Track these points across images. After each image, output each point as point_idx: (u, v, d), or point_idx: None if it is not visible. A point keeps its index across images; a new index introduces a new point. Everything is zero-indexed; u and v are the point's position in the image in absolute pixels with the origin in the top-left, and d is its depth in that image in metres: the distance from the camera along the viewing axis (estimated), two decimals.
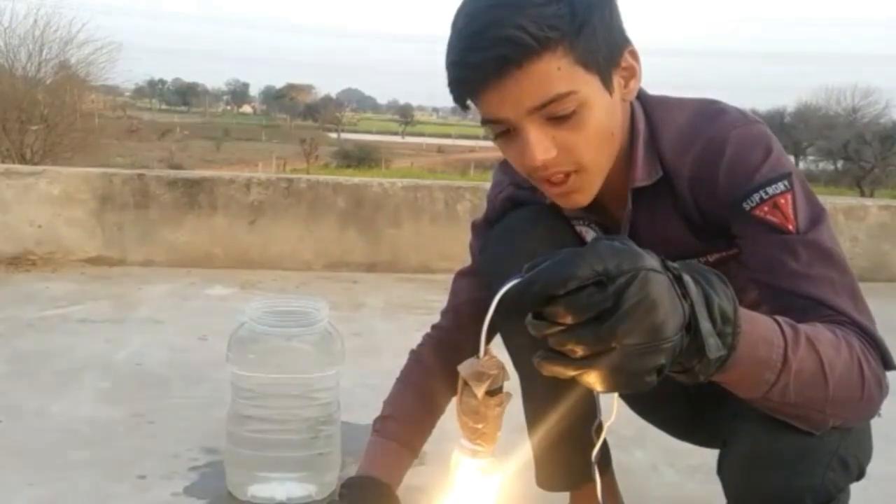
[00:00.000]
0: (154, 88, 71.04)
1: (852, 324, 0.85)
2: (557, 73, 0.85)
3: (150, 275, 3.03)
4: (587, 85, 0.87)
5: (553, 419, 1.15)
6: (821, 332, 0.81)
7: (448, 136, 64.84)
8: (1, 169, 3.21)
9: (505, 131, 0.91)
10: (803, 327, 0.80)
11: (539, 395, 1.16)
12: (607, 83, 0.89)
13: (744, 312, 0.72)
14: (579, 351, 0.62)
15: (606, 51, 0.88)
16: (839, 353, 0.81)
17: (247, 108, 71.73)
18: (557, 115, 0.86)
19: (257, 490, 1.34)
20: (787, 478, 0.89)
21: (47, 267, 3.03)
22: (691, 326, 0.65)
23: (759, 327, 0.75)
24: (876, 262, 3.63)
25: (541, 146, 0.87)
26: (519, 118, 0.87)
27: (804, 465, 0.88)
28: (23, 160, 15.16)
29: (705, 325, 0.66)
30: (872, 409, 0.86)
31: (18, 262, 3.03)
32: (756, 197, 0.90)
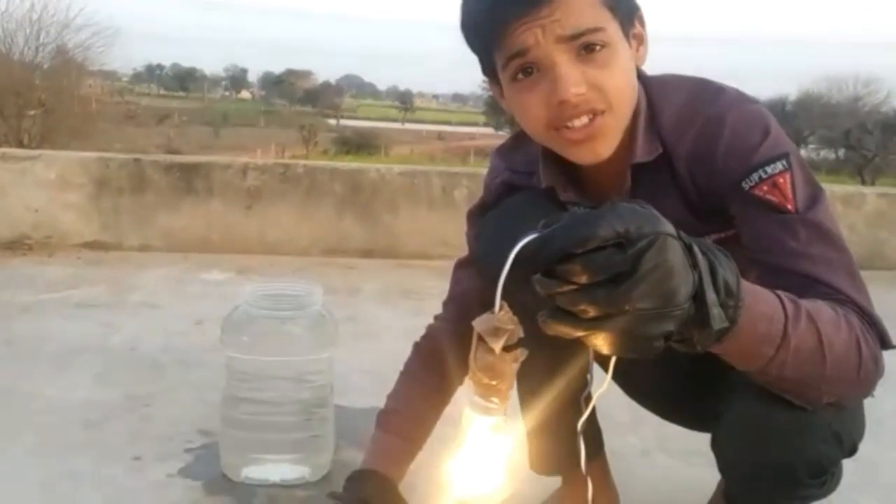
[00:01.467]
0: (152, 74, 70.75)
1: (850, 302, 0.86)
2: (590, 8, 0.87)
3: (146, 259, 3.03)
4: (614, 29, 0.89)
5: (546, 401, 1.16)
6: (822, 309, 0.81)
7: (448, 123, 64.70)
8: None
9: (528, 73, 0.90)
10: (805, 303, 0.80)
11: (534, 376, 1.17)
12: (627, 35, 0.92)
13: (746, 286, 0.72)
14: (591, 311, 0.61)
15: (627, 4, 0.92)
16: (839, 330, 0.81)
17: (245, 94, 71.49)
18: (590, 45, 0.87)
19: (251, 471, 1.35)
20: (780, 450, 0.90)
21: (43, 251, 3.03)
22: (697, 296, 0.65)
23: (760, 302, 0.75)
24: (873, 250, 3.63)
25: (572, 78, 0.87)
26: (549, 50, 0.87)
27: (798, 438, 0.90)
28: (20, 145, 15.12)
29: (711, 295, 0.66)
30: (868, 388, 0.87)
31: (15, 246, 3.03)
32: (755, 176, 0.90)
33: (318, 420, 1.36)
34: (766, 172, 0.90)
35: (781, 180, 0.90)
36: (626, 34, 0.91)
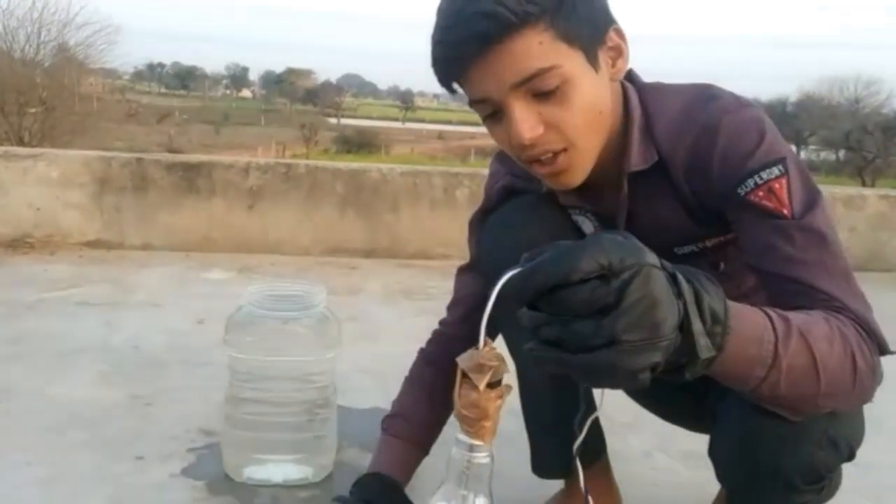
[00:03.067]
0: (153, 72, 70.71)
1: (846, 309, 0.85)
2: (539, 48, 0.85)
3: (148, 258, 3.03)
4: (571, 60, 0.87)
5: (548, 405, 1.16)
6: (814, 324, 0.80)
7: (448, 122, 64.65)
8: None
9: (492, 114, 0.91)
10: (796, 320, 0.79)
11: (535, 383, 1.17)
12: (592, 60, 0.89)
13: (733, 310, 0.72)
14: (577, 344, 0.61)
15: (590, 27, 0.89)
16: (832, 346, 0.80)
17: (246, 93, 71.46)
18: (542, 90, 0.86)
19: (253, 472, 1.35)
20: (774, 457, 0.90)
21: (45, 250, 3.03)
22: (684, 326, 0.65)
23: (749, 325, 0.74)
24: (874, 252, 3.64)
25: (527, 124, 0.87)
26: (503, 95, 0.87)
27: (792, 444, 0.90)
28: (21, 143, 15.13)
29: (697, 324, 0.66)
30: (865, 397, 0.86)
31: (17, 244, 3.04)
32: (750, 182, 0.90)
33: (321, 420, 1.36)
34: (761, 178, 0.89)
35: (777, 185, 0.89)
36: (593, 58, 0.89)
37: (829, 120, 28.59)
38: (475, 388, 0.67)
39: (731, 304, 0.72)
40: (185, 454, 1.46)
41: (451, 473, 0.69)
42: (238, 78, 74.79)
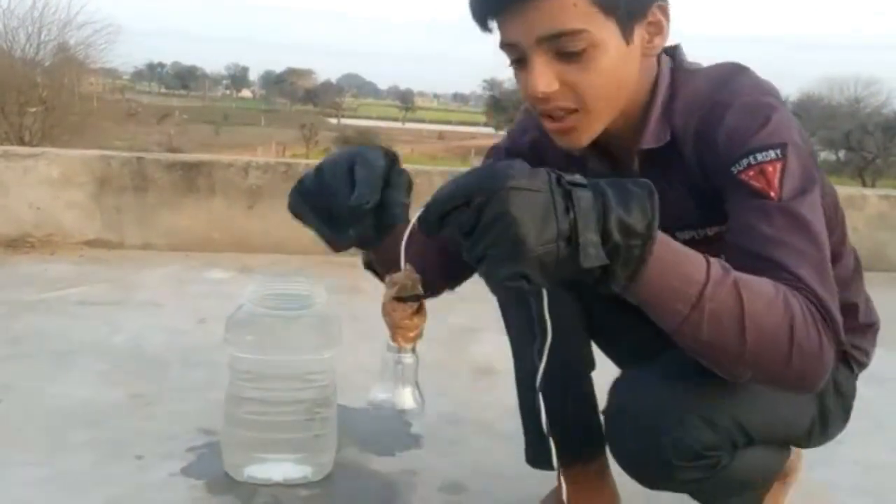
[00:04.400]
0: (153, 72, 70.72)
1: (808, 290, 0.83)
2: (573, 10, 0.87)
3: (148, 258, 3.03)
4: (602, 28, 0.89)
5: (533, 392, 1.17)
6: (759, 285, 0.81)
7: (448, 122, 64.63)
8: None
9: (518, 60, 0.92)
10: (742, 276, 0.80)
11: (525, 368, 1.18)
12: (626, 32, 0.90)
13: (669, 241, 0.77)
14: (469, 259, 0.74)
15: (631, 1, 0.90)
16: (770, 310, 0.80)
17: (246, 93, 71.46)
18: (566, 50, 0.89)
19: (254, 471, 1.35)
20: (639, 435, 0.94)
21: (46, 249, 3.03)
22: (572, 237, 0.72)
23: (680, 258, 0.78)
24: (874, 252, 3.63)
25: (543, 78, 0.90)
26: (529, 46, 0.89)
27: (654, 422, 0.92)
28: (21, 143, 15.13)
29: (588, 236, 0.73)
30: (804, 380, 0.84)
31: (17, 244, 3.03)
32: (744, 161, 0.90)
33: (321, 419, 1.36)
34: (755, 159, 0.89)
35: (770, 168, 0.88)
36: (628, 30, 0.91)
37: (829, 120, 28.58)
38: (388, 300, 0.83)
39: (671, 239, 0.78)
40: (184, 453, 1.46)
41: (384, 372, 0.86)
42: (238, 78, 74.79)
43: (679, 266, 0.78)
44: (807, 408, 1.03)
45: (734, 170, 0.90)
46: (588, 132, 0.95)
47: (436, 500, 1.36)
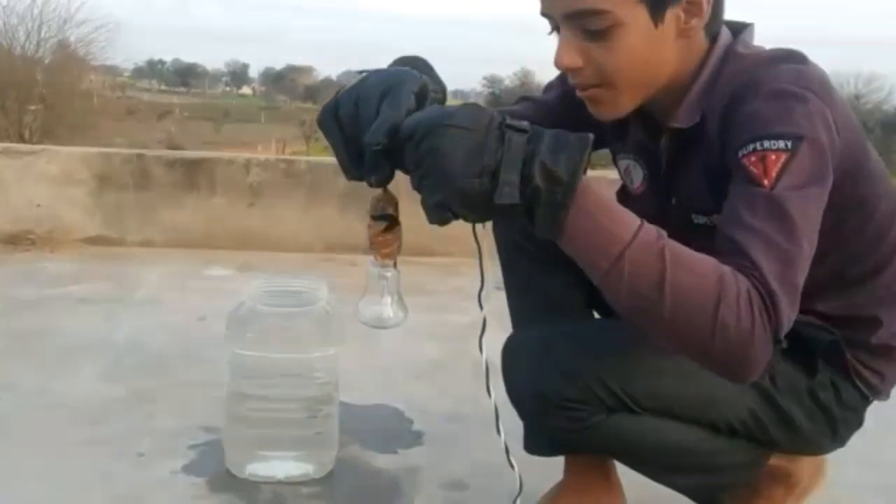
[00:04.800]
0: (153, 69, 70.65)
1: (760, 281, 0.82)
2: None
3: (148, 255, 3.02)
4: (629, 10, 0.91)
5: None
6: (693, 259, 0.81)
7: None
8: (0, 148, 3.20)
9: (553, 30, 0.97)
10: (678, 248, 0.81)
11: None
12: (656, 15, 0.92)
13: (600, 197, 0.81)
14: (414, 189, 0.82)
15: None
16: (696, 283, 0.80)
17: (246, 90, 71.36)
18: (589, 29, 0.92)
19: (256, 468, 1.35)
20: (509, 378, 1.06)
21: (46, 246, 3.03)
22: (494, 175, 0.78)
23: (611, 215, 0.82)
24: None
25: (567, 52, 0.94)
26: (558, 20, 0.94)
27: (535, 367, 1.03)
28: (21, 140, 15.12)
29: (508, 175, 0.78)
30: (728, 361, 0.83)
31: (18, 241, 3.03)
32: (751, 146, 0.89)
33: (323, 417, 1.36)
34: (762, 145, 0.88)
35: (773, 157, 0.87)
36: (658, 13, 0.92)
37: None
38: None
39: (605, 197, 0.82)
40: (186, 451, 1.46)
41: (366, 287, 0.96)
42: (238, 75, 74.67)
43: (606, 222, 0.81)
44: (739, 396, 1.02)
45: (741, 153, 0.90)
46: (614, 107, 0.99)
47: (438, 498, 1.36)
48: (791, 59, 0.96)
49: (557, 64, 0.96)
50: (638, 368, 0.99)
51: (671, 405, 1.01)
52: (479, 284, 0.96)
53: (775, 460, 1.12)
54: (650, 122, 1.05)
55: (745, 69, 0.96)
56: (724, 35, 1.00)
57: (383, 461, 1.47)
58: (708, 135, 0.97)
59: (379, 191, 0.91)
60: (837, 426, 1.09)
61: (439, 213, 0.81)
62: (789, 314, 0.83)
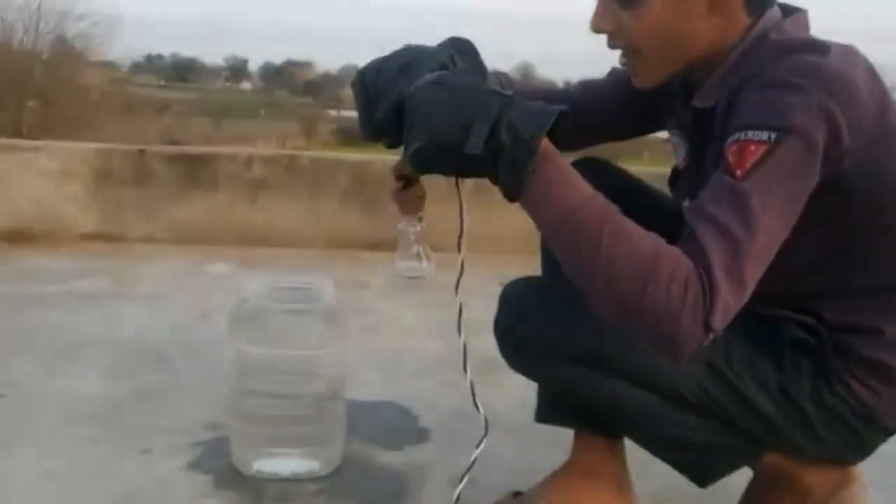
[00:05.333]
0: (152, 64, 70.49)
1: (703, 266, 0.82)
2: None
3: (150, 251, 3.01)
4: None
5: None
6: (633, 236, 0.85)
7: None
8: None
9: None
10: (623, 223, 0.86)
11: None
12: None
13: (559, 165, 0.87)
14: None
15: None
16: (634, 259, 0.84)
17: (246, 85, 71.24)
18: None
19: (262, 465, 1.34)
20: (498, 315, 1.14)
21: (47, 243, 3.01)
22: (468, 127, 0.85)
23: (565, 183, 0.88)
24: None
25: (598, 15, 1.00)
26: None
27: (502, 309, 1.14)
28: (19, 136, 15.08)
29: (477, 128, 0.85)
30: (656, 337, 0.85)
31: (18, 237, 3.01)
32: (736, 135, 0.89)
33: (329, 414, 1.35)
34: (745, 135, 0.87)
35: (752, 148, 0.86)
36: None
37: None
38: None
39: (563, 164, 0.88)
40: (191, 448, 1.45)
41: (398, 241, 1.08)
42: (237, 70, 74.50)
43: (560, 188, 0.87)
44: (684, 368, 1.00)
45: (728, 140, 0.89)
46: (646, 76, 1.03)
47: (445, 494, 1.35)
48: (810, 49, 0.93)
49: (590, 26, 1.00)
50: (596, 328, 0.98)
51: (617, 365, 1.04)
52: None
53: (777, 462, 1.09)
54: (689, 98, 1.05)
55: (766, 56, 0.95)
56: (770, 16, 0.98)
57: (390, 458, 1.47)
58: (719, 119, 0.97)
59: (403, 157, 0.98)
60: (815, 426, 1.04)
61: (418, 160, 0.89)
62: (730, 303, 0.84)
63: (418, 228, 1.05)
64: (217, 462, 1.39)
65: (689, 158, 1.10)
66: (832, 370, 1.03)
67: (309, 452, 1.35)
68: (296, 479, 1.34)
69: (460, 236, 1.04)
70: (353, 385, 1.45)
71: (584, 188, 0.88)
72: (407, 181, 1.03)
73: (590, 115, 1.21)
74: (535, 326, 1.08)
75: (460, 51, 0.96)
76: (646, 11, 0.96)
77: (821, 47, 0.94)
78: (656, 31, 0.97)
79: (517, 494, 1.31)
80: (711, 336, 0.84)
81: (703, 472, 1.12)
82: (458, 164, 0.89)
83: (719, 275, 0.82)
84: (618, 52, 1.05)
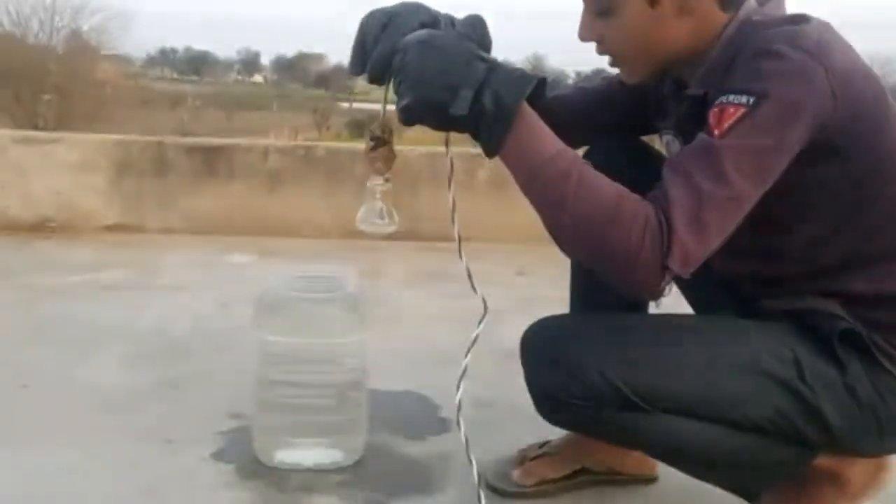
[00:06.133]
0: (166, 57, 70.73)
1: (664, 212, 0.88)
2: None
3: (169, 242, 3.02)
4: None
5: None
6: (597, 186, 0.91)
7: None
8: (19, 136, 3.20)
9: None
10: (590, 175, 0.92)
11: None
12: None
13: (533, 123, 0.94)
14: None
15: None
16: (597, 205, 0.90)
17: (258, 78, 71.38)
18: (596, 9, 1.04)
19: (285, 456, 1.34)
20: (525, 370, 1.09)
21: (67, 234, 3.03)
22: (454, 89, 0.91)
23: (537, 138, 0.94)
24: None
25: (582, 26, 1.06)
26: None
27: (526, 365, 1.09)
28: (35, 129, 15.18)
29: (464, 91, 0.91)
30: (617, 277, 0.92)
31: (39, 228, 3.03)
32: (721, 99, 0.92)
33: (353, 403, 1.35)
34: (727, 98, 0.91)
35: (731, 110, 0.90)
36: None
37: None
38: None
39: (537, 122, 0.94)
40: (214, 438, 1.45)
41: (367, 197, 1.12)
42: (250, 63, 74.61)
43: (533, 144, 0.94)
44: (762, 395, 1.00)
45: (713, 104, 0.93)
46: (631, 76, 1.09)
47: (469, 484, 1.34)
48: (790, 20, 0.98)
49: (578, 37, 1.07)
50: (644, 366, 0.99)
51: (681, 403, 0.99)
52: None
53: (824, 461, 1.08)
54: (680, 93, 1.09)
55: (751, 34, 0.98)
56: (748, 6, 1.02)
57: (413, 448, 1.46)
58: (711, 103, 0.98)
59: (378, 118, 1.09)
60: (882, 422, 1.03)
61: (407, 115, 0.95)
62: (689, 246, 0.88)
63: (385, 188, 1.10)
64: (240, 452, 1.39)
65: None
66: (874, 351, 1.02)
67: (332, 442, 1.35)
68: (319, 470, 1.34)
69: (450, 177, 1.14)
70: (374, 375, 1.45)
71: (553, 144, 0.94)
72: (378, 142, 1.08)
73: (590, 115, 1.28)
74: (576, 377, 1.00)
75: (470, 23, 1.01)
76: (620, 21, 1.02)
77: (798, 17, 0.99)
78: (629, 38, 1.03)
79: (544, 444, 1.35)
80: (669, 277, 0.90)
81: (758, 489, 1.11)
82: (444, 123, 0.96)
83: (679, 219, 0.87)
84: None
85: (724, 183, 0.89)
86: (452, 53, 0.93)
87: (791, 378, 0.99)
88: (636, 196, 0.91)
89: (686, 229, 0.87)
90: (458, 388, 1.12)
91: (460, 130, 0.97)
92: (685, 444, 1.02)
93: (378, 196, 1.10)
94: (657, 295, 0.93)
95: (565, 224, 0.93)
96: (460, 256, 1.12)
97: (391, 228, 1.12)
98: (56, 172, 3.10)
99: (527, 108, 0.94)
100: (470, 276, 1.09)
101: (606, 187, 0.92)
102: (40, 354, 1.83)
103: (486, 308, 1.10)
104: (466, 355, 1.12)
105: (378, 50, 0.98)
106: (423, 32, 0.95)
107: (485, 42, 1.00)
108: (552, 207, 0.94)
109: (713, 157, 0.89)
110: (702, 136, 0.92)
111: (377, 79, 1.00)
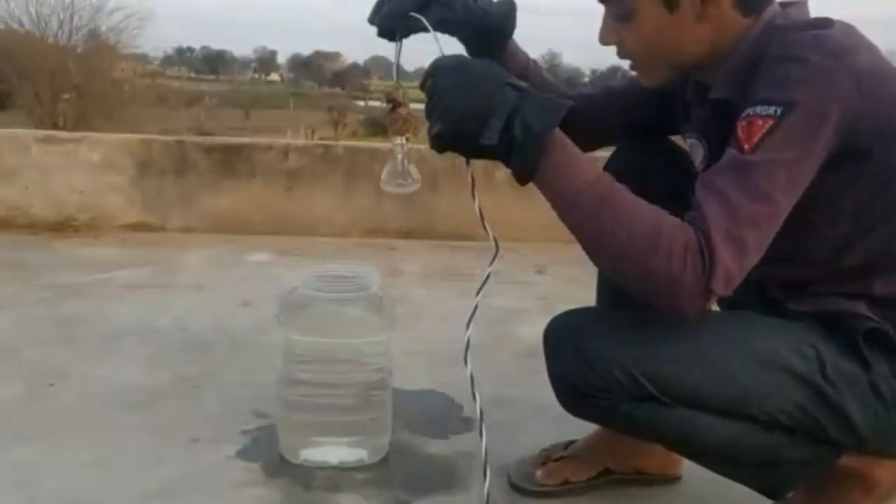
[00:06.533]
0: (182, 56, 71.17)
1: (704, 234, 0.87)
2: None
3: (189, 241, 3.04)
4: (649, 1, 1.00)
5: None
6: (635, 211, 0.91)
7: None
8: (41, 135, 3.23)
9: None
10: (628, 200, 0.92)
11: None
12: (670, 3, 0.99)
13: (566, 150, 0.94)
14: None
15: None
16: (636, 230, 0.89)
17: (274, 76, 71.63)
18: (614, 13, 1.04)
19: (310, 454, 1.35)
20: (554, 357, 1.07)
21: (89, 233, 3.06)
22: (485, 117, 0.92)
23: (572, 166, 0.94)
24: None
25: (602, 31, 1.07)
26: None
27: (550, 356, 1.08)
28: (55, 128, 15.32)
29: (494, 121, 0.92)
30: (661, 301, 0.90)
31: (61, 227, 3.06)
32: (749, 110, 0.92)
33: (377, 402, 1.35)
34: (754, 111, 0.91)
35: (760, 123, 0.90)
36: (672, 1, 0.99)
37: None
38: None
39: (571, 148, 0.94)
40: (238, 436, 1.46)
41: (389, 158, 1.13)
42: (266, 61, 74.88)
43: (568, 172, 0.94)
44: (781, 390, 0.98)
45: (739, 118, 0.92)
46: (650, 79, 1.09)
47: (494, 483, 1.34)
48: (814, 26, 0.97)
49: (599, 41, 1.07)
50: (663, 359, 0.99)
51: (700, 397, 0.99)
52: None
53: (851, 462, 1.07)
54: (703, 96, 1.08)
55: (775, 39, 0.97)
56: (771, 10, 1.02)
57: (436, 447, 1.46)
58: (736, 108, 0.98)
59: (395, 80, 1.12)
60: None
61: (439, 142, 0.96)
62: (730, 267, 0.87)
63: (406, 148, 1.12)
64: (265, 450, 1.40)
65: (706, 161, 1.10)
66: None
67: (356, 441, 1.35)
68: (344, 468, 1.34)
69: (472, 186, 1.09)
70: (396, 373, 1.45)
71: (588, 171, 0.94)
72: (395, 103, 1.09)
73: (617, 115, 1.27)
74: (595, 368, 1.00)
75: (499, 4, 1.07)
76: (639, 26, 1.02)
77: (821, 21, 0.98)
78: (647, 43, 1.03)
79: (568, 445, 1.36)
80: (714, 299, 0.90)
81: (782, 487, 1.09)
82: (475, 151, 0.96)
83: (718, 240, 0.87)
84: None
85: (759, 200, 0.88)
86: (483, 79, 0.94)
87: (811, 373, 0.98)
88: (674, 219, 0.90)
89: (727, 250, 0.87)
90: (465, 353, 1.13)
91: (491, 158, 0.96)
92: (706, 438, 1.01)
93: (400, 156, 1.12)
94: (702, 316, 0.92)
95: (604, 256, 0.94)
96: (473, 197, 1.10)
97: (413, 188, 1.13)
98: (78, 172, 3.13)
99: (559, 136, 0.94)
100: (481, 216, 1.08)
101: (644, 213, 0.91)
102: (64, 353, 1.84)
103: (497, 247, 1.10)
104: (472, 315, 1.15)
105: (391, 5, 1.02)
106: (459, 58, 0.97)
107: (507, 26, 1.05)
108: (590, 237, 0.94)
109: (746, 173, 0.89)
110: (732, 151, 0.91)
111: (387, 32, 1.04)
